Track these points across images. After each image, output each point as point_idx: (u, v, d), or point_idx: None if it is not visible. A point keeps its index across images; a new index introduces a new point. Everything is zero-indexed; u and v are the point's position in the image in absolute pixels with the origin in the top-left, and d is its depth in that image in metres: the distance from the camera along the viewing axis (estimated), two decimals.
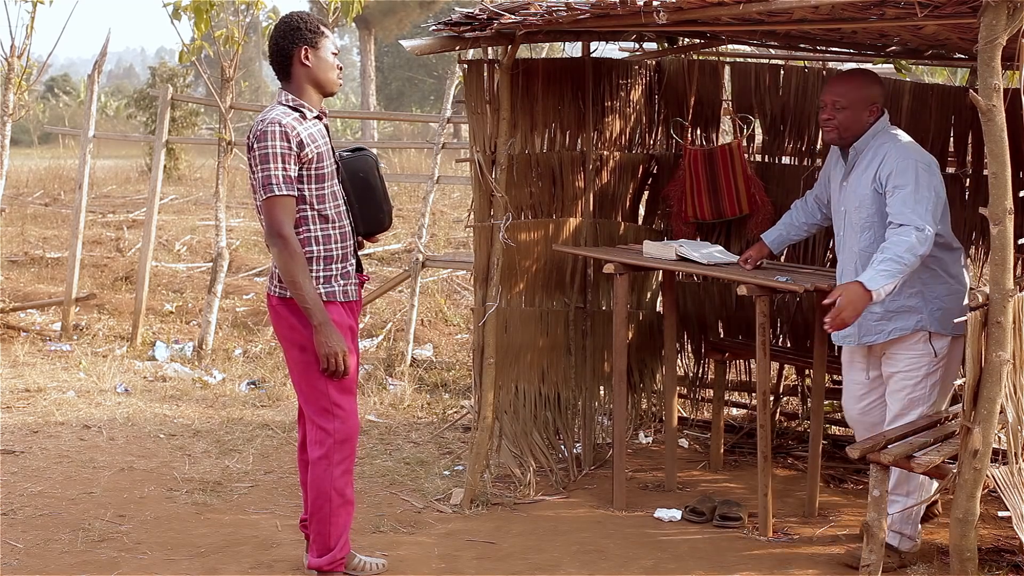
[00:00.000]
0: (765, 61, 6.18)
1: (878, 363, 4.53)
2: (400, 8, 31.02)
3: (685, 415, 6.50)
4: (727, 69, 6.06)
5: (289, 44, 3.99)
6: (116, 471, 5.63)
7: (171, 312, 9.53)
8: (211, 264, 8.84)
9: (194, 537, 4.73)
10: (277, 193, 3.86)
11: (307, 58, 3.99)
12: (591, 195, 5.72)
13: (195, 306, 9.63)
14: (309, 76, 4.01)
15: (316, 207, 3.97)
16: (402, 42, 5.31)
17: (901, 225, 4.16)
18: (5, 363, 7.91)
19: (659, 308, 5.99)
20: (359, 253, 4.25)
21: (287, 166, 3.87)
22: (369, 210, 4.25)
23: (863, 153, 4.45)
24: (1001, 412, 3.62)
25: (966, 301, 4.11)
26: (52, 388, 7.27)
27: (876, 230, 4.36)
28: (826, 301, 4.11)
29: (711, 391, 6.07)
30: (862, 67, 4.60)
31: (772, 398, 5.88)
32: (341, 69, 4.12)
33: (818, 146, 6.12)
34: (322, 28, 4.02)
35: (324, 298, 3.97)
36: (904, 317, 4.39)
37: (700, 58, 6.02)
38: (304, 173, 3.93)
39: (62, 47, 8.30)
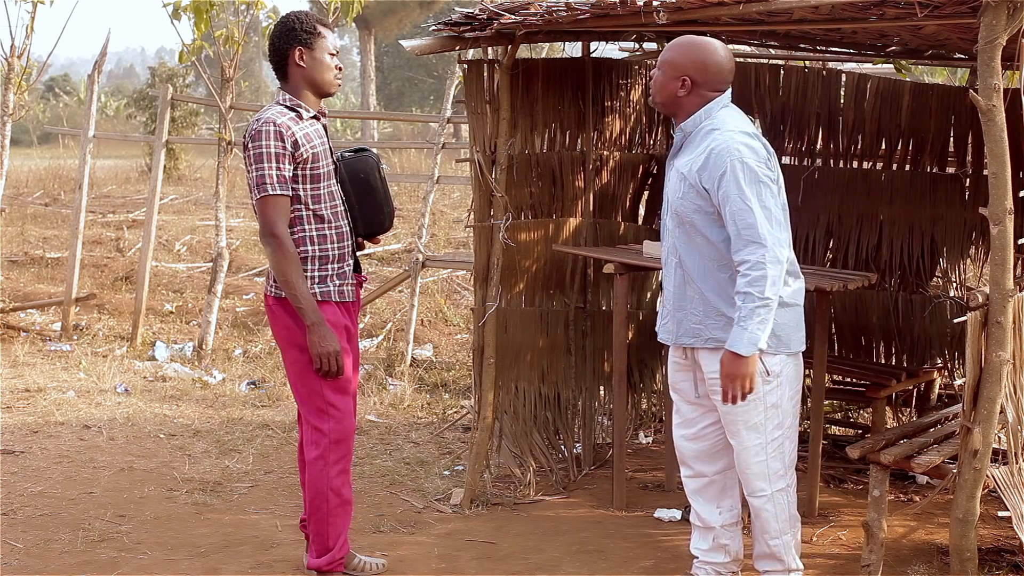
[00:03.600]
0: (765, 61, 6.18)
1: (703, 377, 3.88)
2: (400, 8, 31.01)
3: None
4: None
5: (285, 45, 3.99)
6: (116, 471, 5.63)
7: (171, 312, 9.53)
8: (211, 264, 8.84)
9: (194, 537, 4.73)
10: (271, 192, 3.87)
11: (302, 59, 3.98)
12: (591, 195, 5.72)
13: (195, 306, 9.63)
14: (305, 77, 4.01)
15: (311, 207, 3.97)
16: (402, 42, 5.32)
17: (751, 243, 3.56)
18: (5, 363, 7.91)
19: (659, 308, 5.99)
20: (360, 253, 4.25)
21: (281, 166, 3.87)
22: (369, 211, 4.24)
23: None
24: (1001, 412, 3.62)
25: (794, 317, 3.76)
26: (52, 388, 7.27)
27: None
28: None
29: None
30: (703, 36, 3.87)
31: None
32: (340, 69, 4.10)
33: (818, 146, 6.13)
34: (318, 28, 3.99)
35: (319, 298, 3.97)
36: (726, 327, 3.69)
37: None
38: (299, 173, 3.93)
39: (62, 47, 8.31)
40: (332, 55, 4.04)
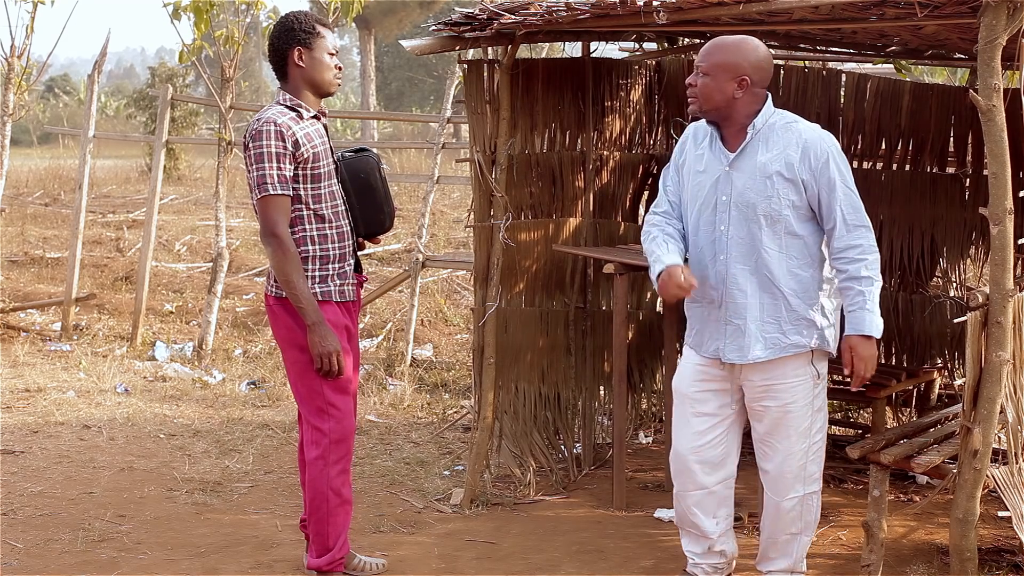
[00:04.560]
0: None
1: (738, 390, 3.84)
2: (400, 8, 31.02)
3: None
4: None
5: (284, 45, 3.99)
6: (116, 471, 5.63)
7: (171, 312, 9.53)
8: (211, 264, 8.85)
9: (194, 537, 4.73)
10: (271, 192, 3.87)
11: (301, 59, 3.99)
12: (591, 195, 5.72)
13: (195, 306, 9.63)
14: (304, 76, 4.01)
15: (312, 207, 3.97)
16: (402, 42, 5.32)
17: (859, 227, 3.63)
18: (5, 363, 7.91)
19: (659, 308, 5.99)
20: (360, 253, 4.25)
21: (282, 165, 3.87)
22: (369, 211, 4.24)
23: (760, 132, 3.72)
24: (1001, 412, 3.62)
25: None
26: (52, 388, 7.27)
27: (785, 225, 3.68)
28: (847, 368, 3.63)
29: None
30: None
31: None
32: (340, 69, 4.09)
33: None
34: (317, 28, 3.99)
35: (319, 297, 3.97)
36: (806, 335, 3.70)
37: None
38: (300, 173, 3.93)
39: (62, 47, 8.31)
40: (331, 55, 4.04)
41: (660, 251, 3.81)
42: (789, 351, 3.68)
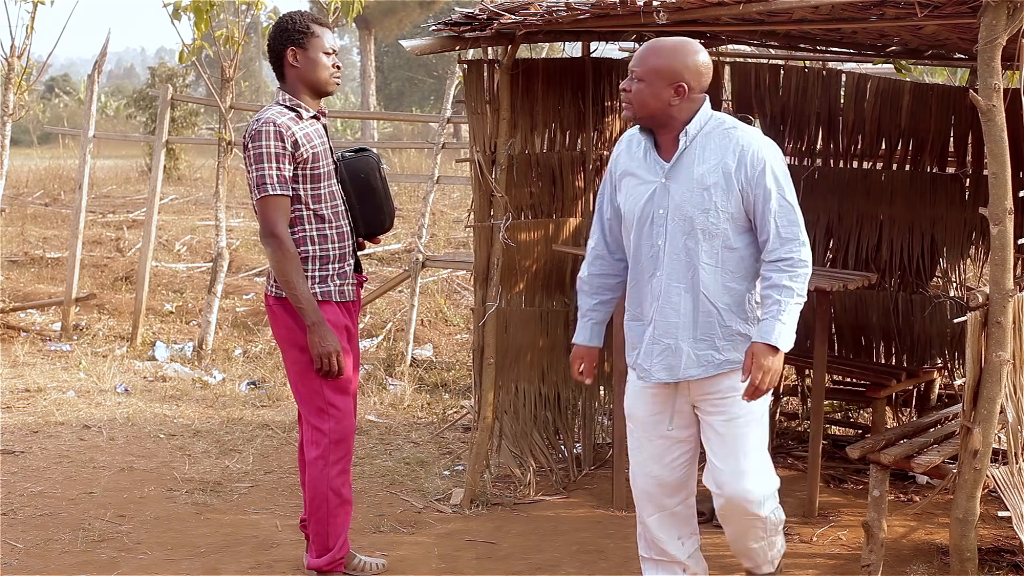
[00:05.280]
0: (765, 61, 6.18)
1: (686, 410, 3.67)
2: (400, 8, 31.02)
3: None
4: (727, 69, 6.06)
5: (279, 46, 4.01)
6: (116, 471, 5.63)
7: (171, 312, 9.53)
8: (211, 264, 8.84)
9: (194, 537, 4.73)
10: (271, 193, 3.87)
11: (296, 59, 3.99)
12: (591, 195, 5.72)
13: (195, 306, 9.63)
14: (300, 77, 4.01)
15: (312, 207, 3.97)
16: (402, 42, 5.32)
17: (792, 240, 3.45)
18: (5, 363, 7.91)
19: None
20: (360, 253, 4.25)
21: (281, 166, 3.87)
22: (369, 211, 4.24)
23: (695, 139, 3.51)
24: (1001, 412, 3.62)
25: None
26: (52, 388, 7.27)
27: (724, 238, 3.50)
28: (744, 375, 3.44)
29: None
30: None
31: (772, 398, 5.88)
32: (338, 68, 4.08)
33: (818, 146, 6.13)
34: (311, 28, 3.98)
35: (320, 297, 3.97)
36: (741, 345, 3.53)
37: None
38: (299, 173, 3.93)
39: (62, 47, 8.28)
40: (328, 54, 4.02)
41: (580, 319, 3.82)
42: (724, 367, 3.52)
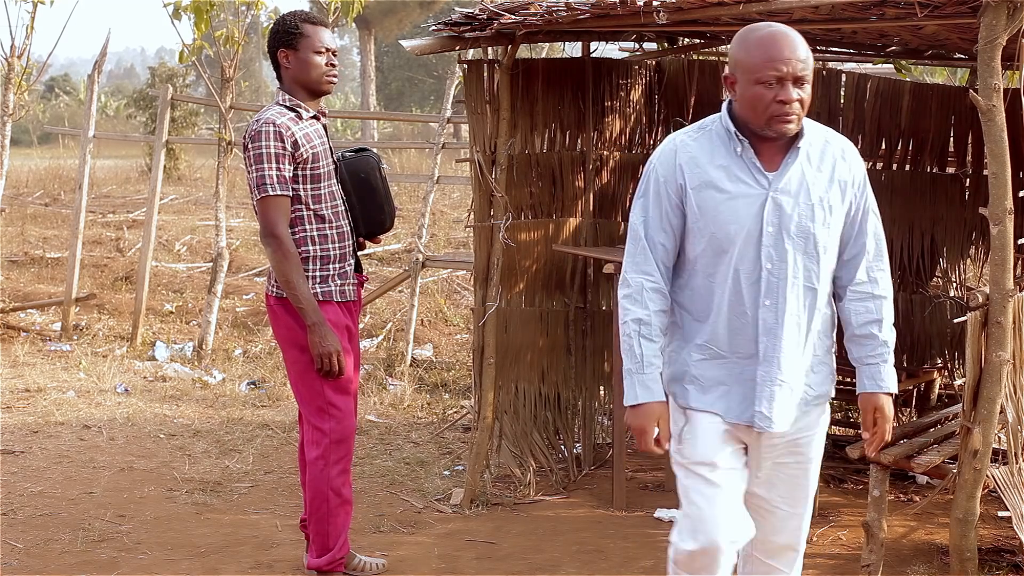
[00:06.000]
0: None
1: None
2: (400, 8, 31.02)
3: None
4: (727, 69, 6.05)
5: (272, 47, 4.04)
6: (116, 471, 5.63)
7: (171, 312, 9.53)
8: (211, 264, 8.84)
9: (194, 537, 4.73)
10: (271, 193, 3.87)
11: (288, 60, 4.01)
12: (591, 195, 5.72)
13: (195, 306, 9.63)
14: (293, 77, 4.02)
15: (312, 207, 3.98)
16: (402, 42, 5.32)
17: (883, 257, 3.08)
18: (5, 363, 7.91)
19: None
20: (360, 253, 4.25)
21: (281, 166, 3.87)
22: (370, 211, 4.24)
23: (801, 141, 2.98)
24: (1001, 412, 3.63)
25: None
26: (52, 388, 7.27)
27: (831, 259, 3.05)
28: (867, 432, 3.06)
29: None
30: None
31: None
32: (333, 66, 4.05)
33: None
34: (301, 27, 3.98)
35: (320, 297, 3.97)
36: (828, 380, 3.13)
37: (700, 58, 6.02)
38: (299, 173, 3.94)
39: (62, 47, 8.28)
40: (320, 53, 4.00)
41: (642, 370, 3.00)
42: (814, 403, 3.08)
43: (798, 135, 2.93)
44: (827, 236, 2.97)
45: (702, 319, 3.03)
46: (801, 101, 2.86)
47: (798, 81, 2.84)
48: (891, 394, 3.02)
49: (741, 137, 2.94)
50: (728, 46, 6.39)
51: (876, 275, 3.03)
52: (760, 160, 2.95)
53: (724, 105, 2.99)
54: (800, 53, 2.86)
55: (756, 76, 2.85)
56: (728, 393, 3.03)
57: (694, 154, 2.97)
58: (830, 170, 2.98)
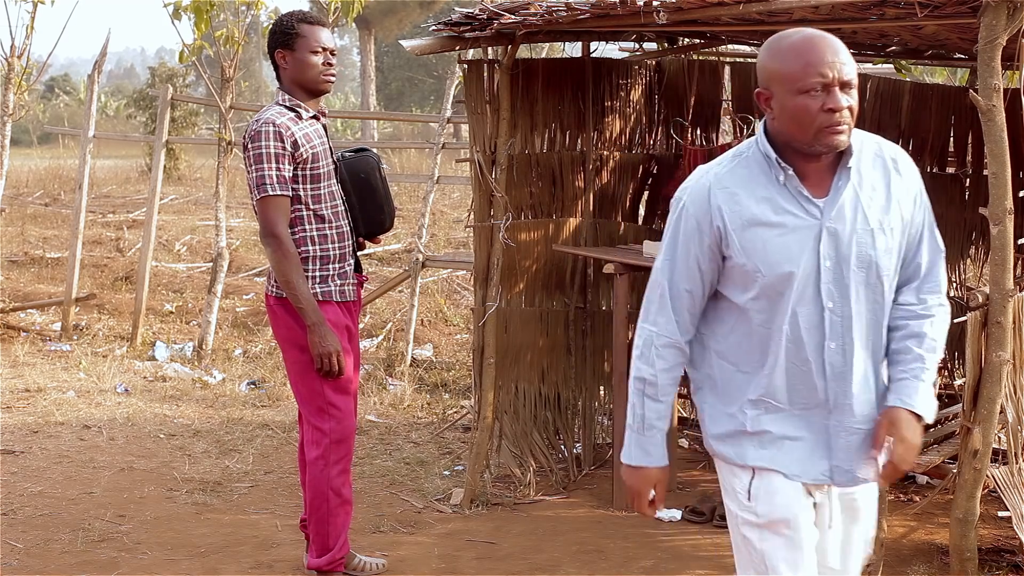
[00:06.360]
0: None
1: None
2: (400, 8, 31.03)
3: (685, 415, 6.50)
4: (727, 69, 6.06)
5: (271, 48, 4.06)
6: (116, 471, 5.63)
7: (171, 312, 9.53)
8: (211, 264, 8.84)
9: (194, 537, 4.73)
10: (271, 193, 3.87)
11: (285, 60, 4.01)
12: (591, 195, 5.72)
13: (195, 306, 9.63)
14: (290, 78, 4.03)
15: (312, 207, 3.98)
16: (402, 42, 5.32)
17: (938, 272, 2.71)
18: (5, 363, 7.91)
19: None
20: (360, 253, 4.25)
21: (281, 166, 3.88)
22: (370, 211, 4.25)
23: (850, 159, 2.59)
24: (1001, 412, 3.62)
25: None
26: (52, 388, 7.27)
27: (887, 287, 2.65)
28: (879, 453, 2.59)
29: None
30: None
31: None
32: (330, 65, 4.05)
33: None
34: (297, 28, 3.98)
35: (320, 297, 3.97)
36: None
37: (700, 58, 6.02)
38: (299, 173, 3.94)
39: (62, 47, 8.29)
40: (316, 53, 4.00)
41: (643, 431, 2.69)
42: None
43: (845, 151, 2.56)
44: (889, 263, 2.60)
45: (751, 371, 2.65)
46: (851, 109, 2.51)
47: (845, 86, 2.49)
48: (917, 415, 2.57)
49: (783, 164, 2.55)
50: (728, 46, 6.42)
51: (926, 296, 2.67)
52: (806, 186, 2.57)
53: (759, 127, 2.64)
54: (842, 55, 2.51)
55: (798, 85, 2.50)
56: (795, 448, 2.63)
57: (732, 190, 2.58)
58: (885, 188, 2.60)
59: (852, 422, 2.60)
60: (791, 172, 2.55)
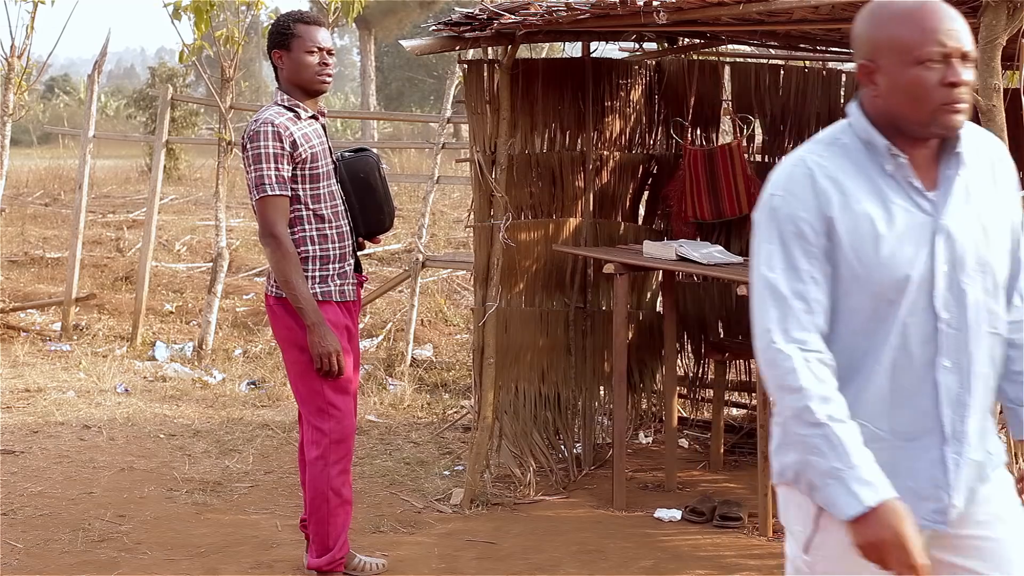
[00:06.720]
0: (765, 61, 6.17)
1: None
2: (400, 8, 31.02)
3: (685, 415, 6.50)
4: (727, 69, 6.06)
5: (269, 49, 4.07)
6: (116, 471, 5.63)
7: (171, 312, 9.53)
8: (211, 264, 8.84)
9: (194, 537, 4.73)
10: (270, 193, 3.88)
11: (282, 60, 4.02)
12: (591, 195, 5.72)
13: (195, 306, 9.63)
14: (287, 78, 4.03)
15: (311, 207, 3.98)
16: (402, 42, 5.32)
17: None
18: (5, 363, 7.91)
19: (659, 308, 5.99)
20: (360, 253, 4.26)
21: (280, 166, 3.88)
22: (369, 211, 4.25)
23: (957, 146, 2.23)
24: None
25: None
26: (52, 388, 7.27)
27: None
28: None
29: (711, 391, 6.07)
30: None
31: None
32: (326, 65, 4.04)
33: None
34: (292, 28, 3.98)
35: (320, 298, 3.97)
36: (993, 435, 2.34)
37: (700, 58, 6.02)
38: (298, 173, 3.94)
39: (62, 47, 8.29)
40: (312, 52, 3.99)
41: (851, 462, 2.07)
42: (996, 467, 2.34)
43: (954, 137, 2.22)
44: (1002, 264, 2.27)
45: (873, 390, 2.21)
46: (969, 86, 2.17)
47: (965, 58, 2.14)
48: None
49: (895, 151, 2.18)
50: (728, 46, 6.42)
51: None
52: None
53: (853, 109, 2.25)
54: (960, 23, 2.16)
55: (916, 55, 2.12)
56: (903, 486, 2.14)
57: (838, 179, 2.18)
58: (992, 178, 2.29)
59: (968, 453, 2.22)
60: (903, 160, 2.18)
